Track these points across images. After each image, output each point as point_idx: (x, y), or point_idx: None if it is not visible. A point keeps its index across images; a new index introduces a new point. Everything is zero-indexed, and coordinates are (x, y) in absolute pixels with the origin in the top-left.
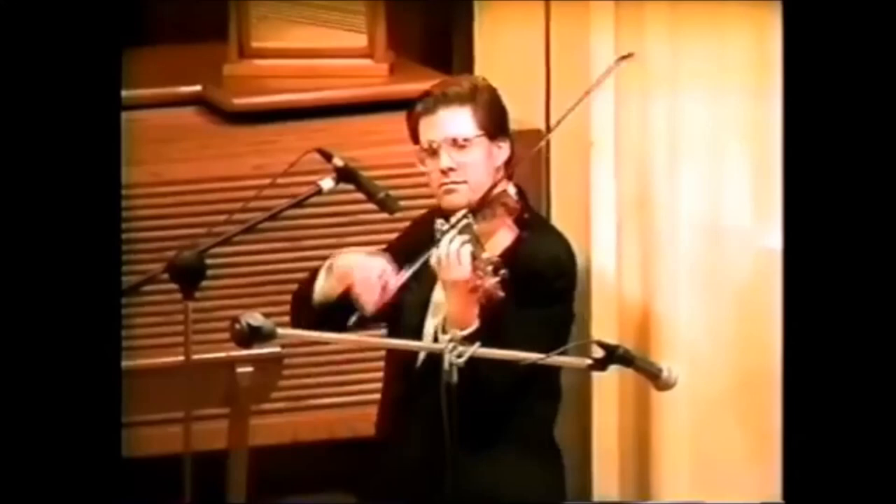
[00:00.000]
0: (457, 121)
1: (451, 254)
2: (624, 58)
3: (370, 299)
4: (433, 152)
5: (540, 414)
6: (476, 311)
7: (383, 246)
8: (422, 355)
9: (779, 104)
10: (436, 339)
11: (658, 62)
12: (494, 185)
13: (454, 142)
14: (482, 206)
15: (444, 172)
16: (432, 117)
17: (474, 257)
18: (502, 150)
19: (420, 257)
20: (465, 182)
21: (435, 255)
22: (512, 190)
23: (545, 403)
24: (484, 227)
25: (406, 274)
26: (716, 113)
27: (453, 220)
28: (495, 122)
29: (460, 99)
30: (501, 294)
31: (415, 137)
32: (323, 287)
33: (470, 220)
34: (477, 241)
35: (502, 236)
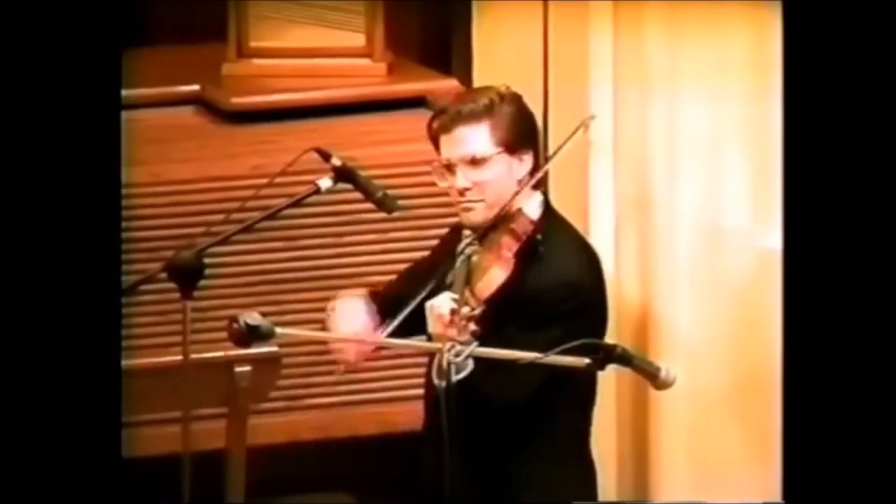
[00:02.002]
0: (473, 139)
1: (433, 308)
2: (587, 121)
3: (350, 352)
4: (451, 169)
5: (564, 424)
6: None
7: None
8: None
9: (778, 104)
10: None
11: (657, 62)
12: (512, 201)
13: (471, 160)
14: (489, 231)
15: (460, 192)
16: (449, 135)
17: (453, 312)
18: (524, 163)
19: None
20: (481, 201)
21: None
22: (535, 202)
23: (570, 412)
24: (484, 259)
25: (391, 326)
26: (715, 113)
27: (458, 251)
28: (517, 136)
29: (475, 116)
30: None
31: (438, 151)
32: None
33: (472, 250)
34: (465, 284)
35: (494, 274)
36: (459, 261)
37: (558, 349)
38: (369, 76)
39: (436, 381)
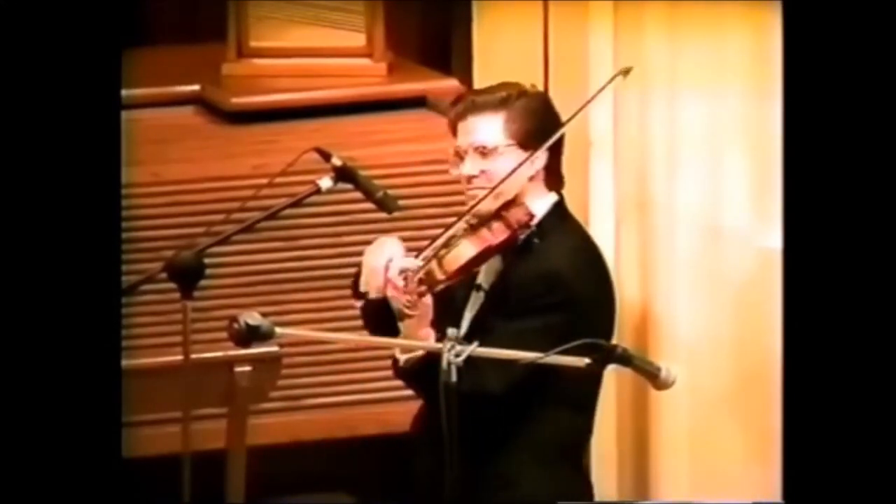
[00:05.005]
0: (484, 129)
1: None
2: (624, 72)
3: (374, 285)
4: (462, 157)
5: (553, 422)
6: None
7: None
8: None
9: (778, 104)
10: None
11: (657, 63)
12: (516, 196)
13: (480, 149)
14: (488, 218)
15: (467, 179)
16: (463, 123)
17: (406, 276)
18: (537, 159)
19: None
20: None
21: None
22: (545, 201)
23: (559, 412)
24: (464, 236)
25: (416, 263)
26: (715, 113)
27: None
28: (532, 132)
29: (489, 107)
30: (412, 313)
31: (456, 138)
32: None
33: (459, 228)
34: (434, 256)
35: (464, 248)
36: (444, 237)
37: (559, 349)
38: (369, 76)
39: (401, 361)
